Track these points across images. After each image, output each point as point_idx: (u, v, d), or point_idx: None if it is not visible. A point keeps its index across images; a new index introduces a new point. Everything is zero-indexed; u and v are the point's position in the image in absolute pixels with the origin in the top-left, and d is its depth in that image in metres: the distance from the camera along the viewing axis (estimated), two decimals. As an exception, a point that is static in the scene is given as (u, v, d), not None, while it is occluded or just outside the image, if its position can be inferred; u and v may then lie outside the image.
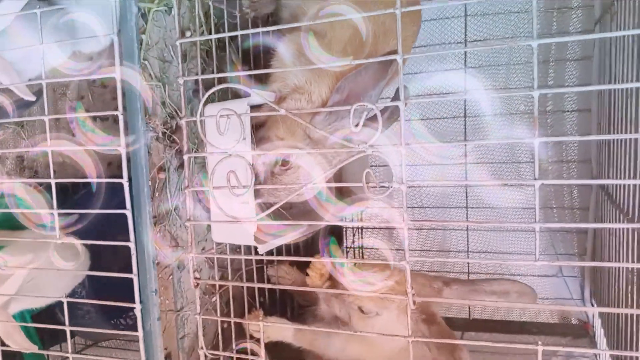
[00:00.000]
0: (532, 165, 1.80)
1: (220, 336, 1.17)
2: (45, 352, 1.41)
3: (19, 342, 1.13)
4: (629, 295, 1.19)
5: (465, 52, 1.78)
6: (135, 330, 1.78)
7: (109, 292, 1.28)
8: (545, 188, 1.79)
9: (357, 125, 0.77)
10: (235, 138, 0.88)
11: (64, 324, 1.62)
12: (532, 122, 0.73)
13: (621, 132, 1.28)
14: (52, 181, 1.00)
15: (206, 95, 0.82)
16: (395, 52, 0.76)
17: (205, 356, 0.94)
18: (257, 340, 1.21)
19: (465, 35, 1.81)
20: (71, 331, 1.68)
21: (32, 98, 1.06)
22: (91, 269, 1.48)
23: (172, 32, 1.08)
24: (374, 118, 0.77)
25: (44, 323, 1.62)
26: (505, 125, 1.80)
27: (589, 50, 1.67)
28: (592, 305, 1.73)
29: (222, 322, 1.18)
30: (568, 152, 1.78)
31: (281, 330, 1.18)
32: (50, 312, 1.59)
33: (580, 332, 1.75)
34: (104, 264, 1.53)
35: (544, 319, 1.83)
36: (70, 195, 1.53)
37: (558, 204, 1.78)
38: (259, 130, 1.05)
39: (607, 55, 1.49)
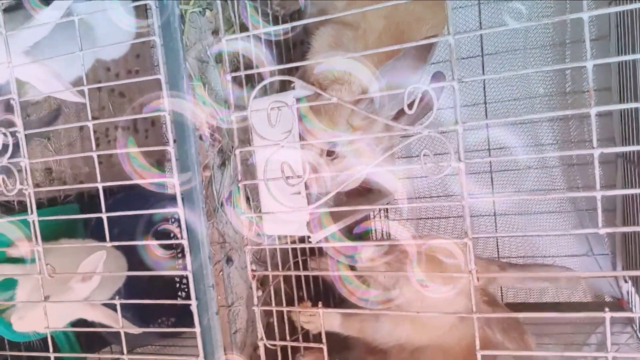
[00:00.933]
0: (554, 147, 1.81)
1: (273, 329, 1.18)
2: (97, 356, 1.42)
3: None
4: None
5: (482, 37, 1.79)
6: (171, 337, 1.80)
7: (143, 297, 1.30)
8: (569, 169, 1.80)
9: (410, 106, 0.78)
10: (283, 131, 0.90)
11: (101, 336, 1.64)
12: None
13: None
14: (100, 184, 1.01)
15: (257, 87, 0.83)
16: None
17: (265, 347, 0.95)
18: (306, 332, 1.23)
19: (480, 20, 1.82)
20: (107, 339, 1.71)
21: (83, 100, 1.07)
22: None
23: (206, 32, 1.09)
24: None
25: (82, 333, 1.65)
26: (526, 108, 1.81)
27: (605, 30, 1.68)
28: (626, 281, 1.74)
29: (268, 316, 1.19)
30: (591, 132, 1.79)
31: (329, 319, 1.19)
32: (87, 323, 1.61)
33: (615, 309, 1.76)
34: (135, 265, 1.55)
35: (577, 298, 1.83)
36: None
37: (584, 183, 1.79)
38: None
39: (626, 32, 1.50)
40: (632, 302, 1.71)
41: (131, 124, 1.93)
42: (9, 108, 1.20)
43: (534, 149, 1.82)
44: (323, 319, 1.07)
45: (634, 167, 1.50)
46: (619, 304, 1.77)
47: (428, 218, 1.93)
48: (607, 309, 0.78)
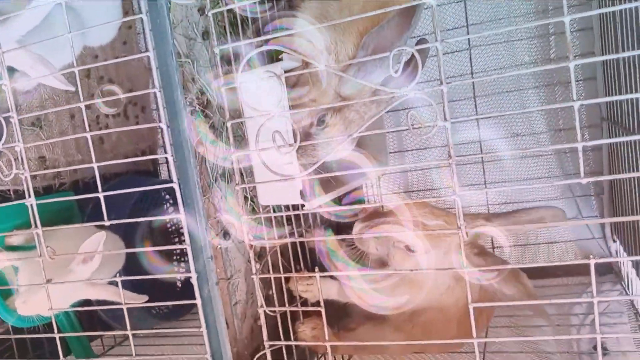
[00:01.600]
0: (541, 113, 1.83)
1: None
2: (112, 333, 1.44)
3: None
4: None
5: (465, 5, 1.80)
6: (171, 320, 1.82)
7: (143, 283, 1.32)
8: (557, 134, 1.83)
9: (396, 70, 0.80)
10: (273, 101, 0.92)
11: (103, 320, 1.66)
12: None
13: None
14: (95, 164, 1.02)
15: (246, 58, 0.85)
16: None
17: (265, 314, 0.98)
18: (304, 301, 1.26)
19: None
20: (109, 324, 1.73)
21: (72, 88, 1.08)
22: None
23: (192, 9, 1.10)
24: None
25: (85, 320, 1.67)
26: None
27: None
28: (614, 242, 1.79)
29: (267, 288, 1.22)
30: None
31: (326, 287, 1.22)
32: (89, 310, 1.64)
33: (604, 269, 1.81)
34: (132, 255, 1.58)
35: (568, 261, 1.88)
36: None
37: (570, 148, 1.82)
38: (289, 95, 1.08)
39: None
40: (620, 261, 1.76)
41: (122, 110, 1.93)
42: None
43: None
44: (320, 286, 1.10)
45: (618, 128, 1.53)
46: (608, 265, 1.81)
47: (420, 190, 1.96)
48: (591, 256, 0.81)
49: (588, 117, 1.80)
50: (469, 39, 1.80)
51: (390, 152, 1.91)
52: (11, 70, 1.15)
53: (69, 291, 1.24)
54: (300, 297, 1.22)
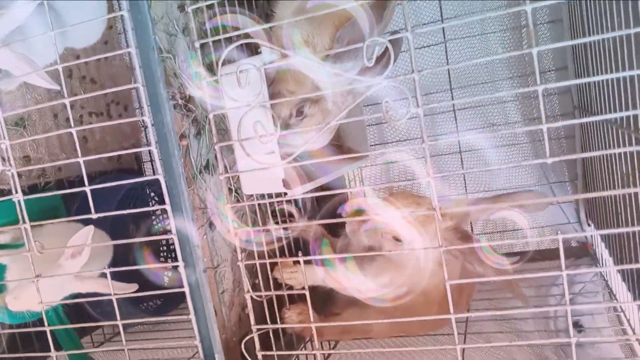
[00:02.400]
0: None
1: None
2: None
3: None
4: (619, 204, 1.30)
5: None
6: (160, 315, 1.84)
7: (130, 278, 1.34)
8: (531, 123, 1.89)
9: (370, 59, 0.84)
10: (253, 93, 0.95)
11: (92, 316, 1.68)
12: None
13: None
14: (81, 159, 1.05)
15: (226, 51, 0.88)
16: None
17: (252, 300, 1.02)
18: (289, 288, 1.29)
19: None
20: (98, 319, 1.74)
21: (57, 87, 1.10)
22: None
23: (172, 6, 1.13)
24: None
25: (74, 316, 1.69)
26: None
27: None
28: (589, 225, 1.85)
29: (254, 277, 1.25)
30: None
31: (311, 273, 1.25)
32: (78, 307, 1.66)
33: (581, 252, 1.88)
34: (120, 250, 1.60)
35: (546, 246, 1.94)
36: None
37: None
38: (269, 88, 1.11)
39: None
40: (595, 244, 1.82)
41: (105, 109, 1.95)
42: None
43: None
44: (305, 273, 1.14)
45: (589, 115, 1.59)
46: (584, 248, 1.88)
47: (402, 181, 2.00)
48: (559, 232, 0.86)
49: (561, 106, 1.86)
50: (444, 32, 1.85)
51: (371, 145, 1.95)
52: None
53: (59, 286, 1.26)
54: (286, 285, 1.25)
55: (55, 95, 1.70)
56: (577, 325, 1.46)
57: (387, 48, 1.00)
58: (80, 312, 1.70)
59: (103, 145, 1.90)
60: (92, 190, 1.04)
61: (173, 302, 1.82)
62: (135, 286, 1.22)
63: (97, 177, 1.85)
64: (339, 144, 1.22)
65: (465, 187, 1.91)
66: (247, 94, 0.93)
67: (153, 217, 1.98)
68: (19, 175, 1.67)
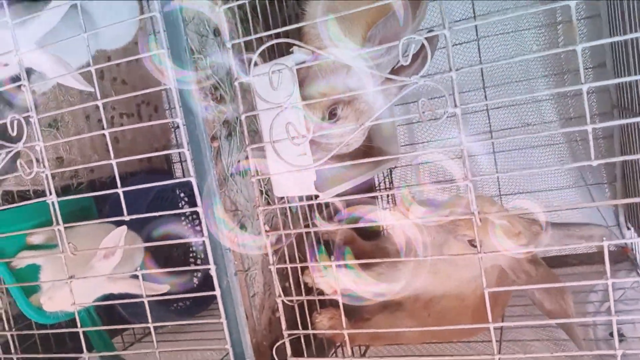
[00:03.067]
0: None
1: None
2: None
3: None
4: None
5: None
6: (190, 315, 1.85)
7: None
8: (568, 122, 1.83)
9: (406, 57, 0.81)
10: (285, 94, 0.93)
11: (123, 317, 1.70)
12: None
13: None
14: (114, 160, 1.05)
15: (258, 51, 0.87)
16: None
17: (283, 305, 1.00)
18: (320, 293, 1.27)
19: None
20: (129, 320, 1.76)
21: (90, 88, 1.11)
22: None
23: (203, 7, 1.13)
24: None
25: (105, 317, 1.71)
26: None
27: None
28: (628, 229, 1.78)
29: (284, 281, 1.24)
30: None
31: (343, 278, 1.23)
32: (108, 307, 1.67)
33: (620, 257, 1.81)
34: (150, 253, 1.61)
35: (583, 250, 1.88)
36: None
37: (582, 136, 1.82)
38: (300, 90, 1.09)
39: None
40: (635, 249, 1.75)
41: (135, 110, 1.97)
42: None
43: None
44: (337, 277, 1.12)
45: (629, 114, 1.53)
46: (623, 252, 1.81)
47: (432, 182, 1.97)
48: (604, 238, 0.82)
49: (599, 105, 1.79)
50: (476, 29, 1.81)
51: (402, 145, 1.92)
52: (29, 71, 1.19)
53: (92, 287, 1.27)
54: (317, 289, 1.23)
55: (87, 97, 1.72)
56: (619, 335, 1.40)
57: (422, 46, 0.97)
58: (111, 312, 1.72)
59: (134, 146, 1.92)
60: (123, 192, 1.04)
61: (204, 301, 1.83)
62: (166, 287, 1.22)
63: (127, 178, 1.86)
64: (370, 145, 1.19)
65: (499, 188, 1.86)
66: (278, 95, 0.92)
67: (183, 219, 1.99)
68: (52, 176, 1.71)
